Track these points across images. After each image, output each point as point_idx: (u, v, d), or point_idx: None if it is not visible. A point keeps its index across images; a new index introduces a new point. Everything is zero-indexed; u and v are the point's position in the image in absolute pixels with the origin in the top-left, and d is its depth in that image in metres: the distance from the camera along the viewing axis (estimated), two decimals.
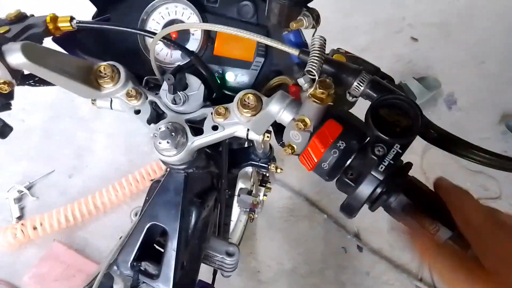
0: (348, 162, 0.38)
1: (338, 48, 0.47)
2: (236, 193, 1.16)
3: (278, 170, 1.05)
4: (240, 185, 1.35)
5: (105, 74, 0.52)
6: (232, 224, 1.43)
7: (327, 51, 0.49)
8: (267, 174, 1.21)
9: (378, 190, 0.36)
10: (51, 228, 1.49)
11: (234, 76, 0.61)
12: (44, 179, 1.68)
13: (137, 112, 0.55)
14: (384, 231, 1.59)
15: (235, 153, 0.87)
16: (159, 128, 0.52)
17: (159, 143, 0.51)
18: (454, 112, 1.96)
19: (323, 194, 1.70)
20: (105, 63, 0.53)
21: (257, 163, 0.86)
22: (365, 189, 0.36)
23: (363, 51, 2.16)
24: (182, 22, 0.60)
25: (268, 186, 1.21)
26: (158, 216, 0.63)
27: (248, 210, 1.21)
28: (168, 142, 0.51)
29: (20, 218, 1.59)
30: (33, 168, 1.70)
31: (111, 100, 0.56)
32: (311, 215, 1.66)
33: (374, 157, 0.35)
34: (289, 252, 1.59)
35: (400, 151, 0.35)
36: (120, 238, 0.70)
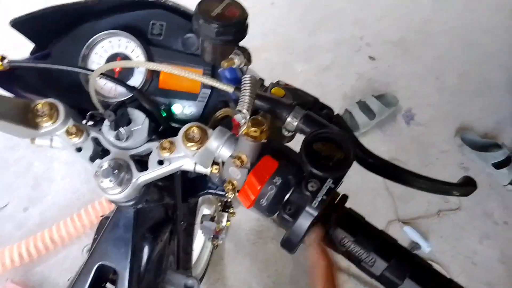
0: (286, 197, 0.38)
1: (277, 81, 0.47)
2: (199, 220, 1.14)
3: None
4: (204, 211, 1.33)
5: (42, 112, 0.51)
6: (198, 251, 1.40)
7: (273, 80, 0.50)
8: (229, 199, 1.20)
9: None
10: (3, 267, 1.40)
11: (181, 108, 0.61)
12: None
13: (79, 149, 0.53)
14: None
15: (191, 181, 0.85)
16: (101, 166, 0.50)
17: (101, 182, 0.50)
18: (413, 127, 2.03)
19: None
20: (42, 101, 0.51)
21: (214, 191, 0.85)
22: (301, 224, 0.36)
23: (327, 69, 2.21)
24: (126, 55, 0.60)
25: (231, 211, 1.19)
26: (108, 255, 0.61)
27: (211, 237, 1.19)
28: (111, 181, 0.49)
29: None
30: None
31: (51, 139, 0.54)
32: (279, 236, 1.65)
33: (308, 193, 0.35)
34: (258, 275, 1.57)
35: (333, 186, 0.35)
36: (69, 280, 0.67)
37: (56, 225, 1.48)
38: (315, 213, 0.35)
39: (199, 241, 1.42)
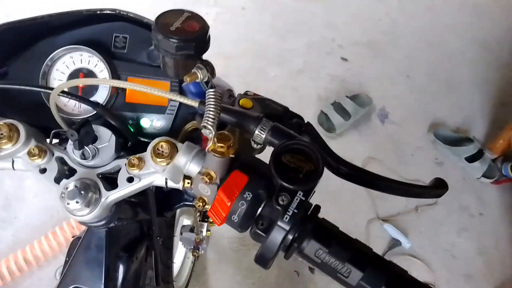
0: (258, 211, 0.37)
1: (246, 92, 0.46)
2: (178, 232, 1.12)
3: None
4: (184, 221, 1.30)
5: (1, 134, 0.48)
6: (180, 262, 1.37)
7: (242, 90, 0.49)
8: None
9: (289, 238, 0.36)
10: None
11: (149, 122, 0.59)
12: None
13: (43, 171, 0.51)
14: None
15: (166, 195, 0.83)
16: (67, 188, 0.48)
17: (67, 204, 0.47)
18: (387, 125, 2.06)
19: None
20: (1, 122, 0.48)
21: (190, 203, 0.84)
22: (274, 239, 0.35)
23: (300, 73, 2.23)
24: (89, 70, 0.58)
25: (211, 221, 1.17)
26: (81, 278, 0.59)
27: (192, 248, 1.16)
28: (77, 202, 0.47)
29: None
30: None
31: (13, 161, 0.52)
32: None
33: (279, 207, 0.34)
34: (242, 282, 1.55)
35: (303, 198, 0.35)
36: None
37: (30, 245, 1.43)
38: (287, 227, 0.34)
39: (181, 252, 1.39)
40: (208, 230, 1.18)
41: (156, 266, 0.83)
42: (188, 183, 0.52)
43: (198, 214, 1.17)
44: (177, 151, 0.46)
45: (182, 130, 0.55)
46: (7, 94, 0.58)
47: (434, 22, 2.59)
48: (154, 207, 0.71)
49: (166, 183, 0.51)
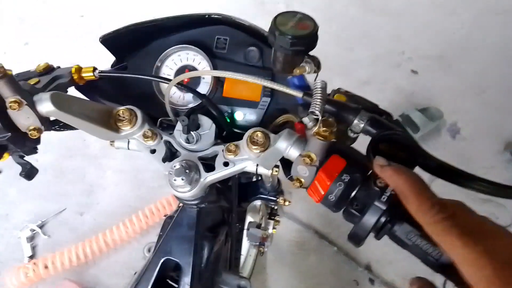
0: (353, 193, 0.41)
1: (338, 88, 0.50)
2: (245, 227, 1.18)
3: (286, 203, 1.07)
4: (249, 219, 1.36)
5: (123, 117, 0.56)
6: (242, 258, 1.43)
7: (328, 91, 0.53)
8: (276, 207, 1.23)
9: (382, 220, 0.39)
10: (62, 266, 1.50)
11: (242, 115, 0.65)
12: (56, 217, 1.71)
13: (153, 151, 0.59)
14: (396, 263, 1.57)
15: (244, 187, 0.89)
16: (174, 166, 0.55)
17: (174, 180, 0.54)
18: (458, 141, 1.98)
19: (332, 226, 1.70)
20: (123, 107, 0.57)
21: (265, 196, 0.89)
22: (369, 218, 0.38)
23: (365, 84, 2.22)
24: (193, 67, 0.65)
25: (277, 219, 1.22)
26: (172, 251, 0.65)
27: (257, 244, 1.21)
28: (182, 179, 0.54)
29: (32, 257, 1.60)
30: (46, 206, 1.74)
31: (128, 141, 0.60)
32: (320, 248, 1.65)
33: (377, 188, 0.38)
34: (300, 286, 1.57)
35: None
36: (135, 274, 0.72)
37: (109, 230, 1.57)
38: (384, 207, 0.37)
39: (243, 250, 1.45)
40: (274, 228, 1.23)
41: (231, 253, 0.89)
42: (276, 171, 0.57)
43: (267, 211, 1.23)
44: (269, 141, 0.52)
45: (272, 123, 0.60)
46: (124, 86, 0.68)
47: (508, 40, 2.44)
48: (236, 195, 0.77)
49: (256, 169, 0.57)
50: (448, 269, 0.37)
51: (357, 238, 0.40)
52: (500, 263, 0.32)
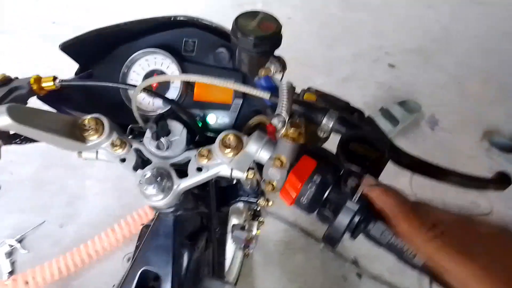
0: (325, 194, 0.40)
1: (308, 88, 0.50)
2: (229, 230, 1.16)
3: (270, 203, 1.06)
4: (233, 221, 1.34)
5: (89, 127, 0.54)
6: (228, 262, 1.41)
7: (298, 90, 0.52)
8: (259, 209, 1.22)
9: (356, 220, 0.38)
10: (43, 281, 1.45)
11: (215, 118, 0.64)
12: (35, 230, 1.66)
13: (123, 160, 0.57)
14: (383, 257, 1.58)
15: (223, 190, 0.88)
16: (145, 175, 0.53)
17: (145, 189, 0.53)
18: (437, 132, 2.01)
19: (318, 224, 1.68)
20: (88, 116, 0.55)
21: (245, 199, 0.88)
22: (342, 220, 0.37)
23: (347, 80, 2.23)
24: (162, 71, 0.64)
25: (261, 220, 1.21)
26: (150, 261, 0.63)
27: (243, 246, 1.20)
28: (154, 188, 0.52)
29: (11, 273, 1.55)
30: (25, 220, 1.68)
31: (97, 151, 0.58)
32: (307, 246, 1.65)
33: (347, 189, 0.37)
34: (288, 286, 1.57)
35: None
36: (113, 286, 0.70)
37: (91, 240, 1.53)
38: (356, 208, 0.36)
39: (229, 252, 1.43)
40: (258, 229, 1.22)
41: (213, 259, 0.87)
42: (252, 173, 0.56)
43: (249, 213, 1.22)
44: (242, 144, 0.50)
45: (245, 125, 0.59)
46: (91, 94, 0.65)
47: (487, 30, 2.49)
48: (214, 200, 0.76)
49: (231, 173, 0.55)
50: (424, 267, 0.37)
51: (332, 240, 0.39)
52: (499, 275, 0.32)
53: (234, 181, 0.97)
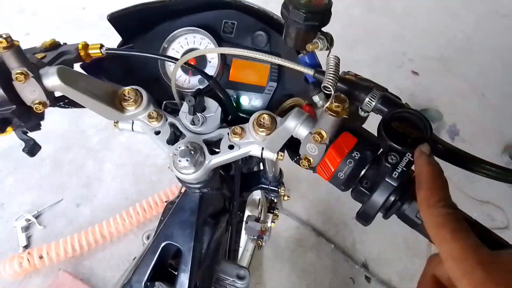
0: (363, 171, 0.40)
1: (348, 71, 0.50)
2: (244, 220, 1.17)
3: (286, 198, 1.07)
4: (247, 213, 1.36)
5: (129, 97, 0.56)
6: (240, 251, 1.42)
7: None
8: (275, 200, 1.22)
9: (392, 198, 0.38)
10: (57, 257, 1.49)
11: (248, 100, 0.65)
12: (52, 208, 1.70)
13: (157, 133, 0.58)
14: (393, 261, 1.57)
15: (245, 177, 0.89)
16: (179, 147, 0.54)
17: (179, 161, 0.54)
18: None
19: (330, 224, 1.70)
20: (129, 87, 0.56)
21: (267, 187, 0.88)
22: (380, 195, 0.38)
23: None
24: None
25: (276, 212, 1.22)
26: (173, 236, 0.64)
27: (256, 237, 1.21)
28: (187, 160, 0.53)
29: (26, 247, 1.58)
30: (42, 197, 1.72)
31: (133, 122, 0.59)
32: (318, 245, 1.65)
33: (388, 165, 0.37)
34: (297, 283, 1.57)
35: (412, 159, 0.37)
36: (134, 259, 0.71)
37: (106, 221, 1.56)
38: (395, 184, 0.37)
39: (241, 243, 1.44)
40: (272, 221, 1.22)
41: (230, 243, 0.88)
42: (281, 155, 0.57)
43: (266, 204, 1.23)
44: (276, 124, 0.51)
45: (279, 107, 0.60)
46: (130, 68, 0.67)
47: (510, 43, 2.46)
48: (238, 181, 0.77)
49: (262, 153, 0.56)
50: None
51: (366, 217, 0.40)
52: (482, 257, 0.31)
53: (256, 169, 0.98)
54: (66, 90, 0.48)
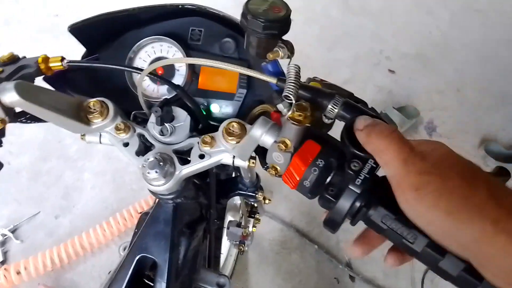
0: (328, 179, 0.40)
1: (314, 77, 0.50)
2: (225, 226, 1.16)
3: (267, 201, 1.06)
4: (229, 218, 1.35)
5: (94, 109, 0.54)
6: (223, 258, 1.41)
7: (304, 79, 0.53)
8: (256, 205, 1.22)
9: (357, 204, 0.38)
10: (36, 271, 1.45)
11: (218, 108, 0.64)
12: (29, 221, 1.65)
13: (126, 144, 0.57)
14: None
15: (222, 183, 0.88)
16: (148, 159, 0.53)
17: (148, 173, 0.53)
18: (435, 138, 2.02)
19: (313, 224, 1.70)
20: (94, 99, 0.55)
21: (244, 192, 0.88)
22: (344, 202, 0.38)
23: (346, 83, 2.24)
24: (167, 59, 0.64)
25: (257, 217, 1.21)
26: (148, 248, 0.63)
27: (238, 242, 1.20)
28: (156, 172, 0.53)
29: (3, 262, 1.54)
30: (20, 210, 1.68)
31: (100, 135, 0.58)
32: (302, 246, 1.65)
33: (351, 172, 0.37)
34: (282, 286, 1.57)
35: (374, 165, 0.38)
36: (109, 273, 0.69)
37: (86, 232, 1.53)
38: (358, 191, 0.37)
39: (224, 248, 1.43)
40: (254, 226, 1.22)
41: (210, 251, 0.88)
42: (253, 162, 0.56)
43: (247, 209, 1.22)
44: (246, 132, 0.51)
45: (249, 115, 0.60)
46: (96, 78, 0.66)
47: (486, 37, 2.52)
48: (214, 189, 0.76)
49: (233, 161, 0.56)
50: (423, 253, 0.37)
51: (332, 224, 0.39)
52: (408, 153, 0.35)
53: (233, 174, 0.97)
54: (25, 106, 0.47)
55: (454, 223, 0.32)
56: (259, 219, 1.23)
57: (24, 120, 0.53)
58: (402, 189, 0.35)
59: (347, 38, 2.47)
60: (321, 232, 1.69)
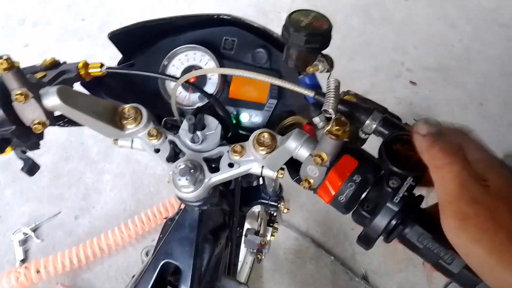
0: (364, 194, 0.40)
1: (348, 90, 0.50)
2: (243, 233, 1.16)
3: (285, 210, 1.06)
4: (247, 225, 1.35)
5: (129, 115, 0.56)
6: (239, 265, 1.41)
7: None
8: (275, 214, 1.22)
9: (394, 222, 0.38)
10: (54, 271, 1.47)
11: (248, 117, 0.65)
12: (50, 220, 1.69)
13: (157, 150, 0.58)
14: (393, 274, 1.56)
15: (245, 191, 0.89)
16: (179, 166, 0.54)
17: (179, 180, 0.53)
18: None
19: (329, 235, 1.69)
20: (129, 105, 0.56)
21: (267, 202, 0.88)
22: (381, 220, 0.37)
23: (366, 94, 2.19)
24: (200, 67, 0.65)
25: (276, 226, 1.21)
26: (173, 253, 0.64)
27: (255, 250, 1.20)
28: (187, 179, 0.53)
29: (24, 261, 1.57)
30: (41, 209, 1.71)
31: (132, 140, 0.59)
32: (318, 256, 1.64)
33: (389, 189, 0.37)
34: None
35: (413, 183, 0.37)
36: (133, 277, 0.70)
37: (104, 234, 1.55)
38: (396, 209, 0.36)
39: (240, 256, 1.43)
40: (272, 235, 1.22)
41: (230, 258, 0.88)
42: (282, 173, 0.57)
43: (266, 218, 1.22)
44: (276, 142, 0.51)
45: (279, 125, 0.60)
46: (130, 84, 0.67)
47: (511, 51, 2.48)
48: (238, 197, 0.77)
49: (261, 171, 0.56)
50: (460, 275, 0.36)
51: (367, 241, 0.39)
52: (467, 178, 0.33)
53: (255, 183, 0.98)
54: (66, 110, 0.48)
55: (496, 263, 0.30)
56: (277, 228, 1.23)
57: (62, 124, 0.54)
58: (447, 214, 0.33)
59: (368, 49, 2.46)
60: (337, 243, 1.67)
